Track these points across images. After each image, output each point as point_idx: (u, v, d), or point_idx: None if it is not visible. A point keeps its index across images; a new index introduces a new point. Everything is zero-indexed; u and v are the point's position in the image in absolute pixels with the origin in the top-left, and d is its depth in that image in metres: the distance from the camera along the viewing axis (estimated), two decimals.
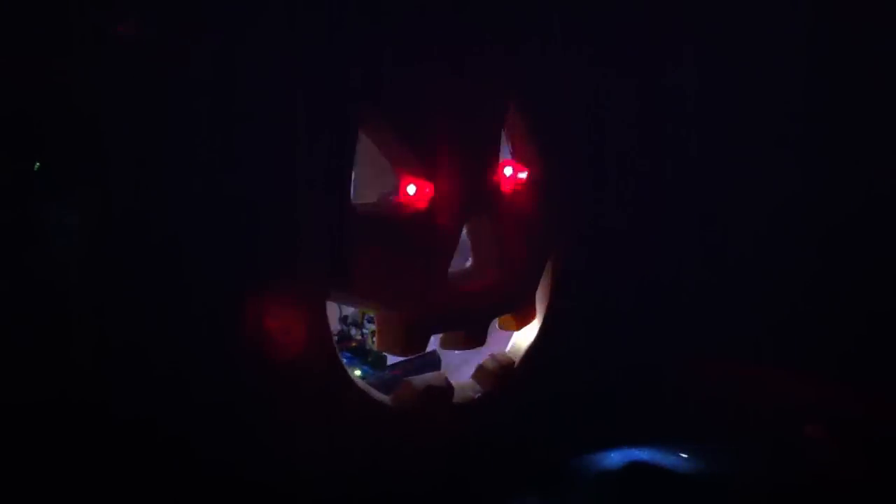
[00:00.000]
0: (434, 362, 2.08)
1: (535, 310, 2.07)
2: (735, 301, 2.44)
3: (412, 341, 1.92)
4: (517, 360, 2.06)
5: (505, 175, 1.94)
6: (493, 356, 2.05)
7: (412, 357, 2.05)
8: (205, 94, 1.75)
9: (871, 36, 2.35)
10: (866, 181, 2.38)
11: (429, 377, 1.95)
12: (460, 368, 2.04)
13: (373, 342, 2.03)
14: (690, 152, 2.47)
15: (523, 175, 1.96)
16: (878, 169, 2.38)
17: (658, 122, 2.45)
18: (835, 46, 2.37)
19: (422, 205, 1.82)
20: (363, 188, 1.89)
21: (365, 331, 2.05)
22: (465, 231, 1.93)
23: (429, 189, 1.82)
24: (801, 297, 2.41)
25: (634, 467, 1.99)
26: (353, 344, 1.99)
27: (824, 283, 2.39)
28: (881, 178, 2.37)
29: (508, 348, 2.08)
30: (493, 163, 1.94)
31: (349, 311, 2.03)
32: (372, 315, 2.02)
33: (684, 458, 2.01)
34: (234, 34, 1.76)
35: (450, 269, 1.91)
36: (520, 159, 1.97)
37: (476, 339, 1.98)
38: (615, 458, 2.00)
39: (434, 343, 2.00)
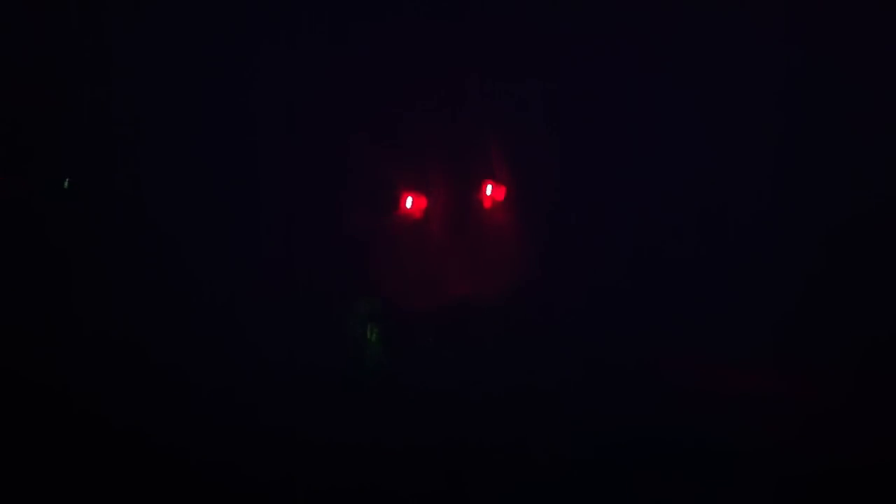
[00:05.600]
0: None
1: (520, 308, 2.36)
2: (718, 302, 2.51)
3: (413, 331, 2.27)
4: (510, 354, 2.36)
5: (487, 193, 2.30)
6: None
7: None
8: (218, 106, 2.26)
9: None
10: (846, 185, 2.39)
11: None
12: (456, 367, 2.35)
13: (375, 340, 2.39)
14: (670, 167, 2.59)
15: (502, 193, 2.31)
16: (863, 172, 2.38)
17: (635, 138, 2.62)
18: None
19: (418, 215, 2.22)
20: (369, 203, 2.31)
21: (368, 331, 2.41)
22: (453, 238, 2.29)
23: (423, 202, 2.22)
24: (780, 299, 2.44)
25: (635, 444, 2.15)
26: (358, 343, 2.34)
27: (803, 284, 2.41)
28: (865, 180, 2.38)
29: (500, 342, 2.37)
30: (477, 182, 2.31)
31: (354, 313, 2.39)
32: (374, 319, 2.40)
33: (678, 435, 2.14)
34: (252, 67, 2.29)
35: (443, 269, 2.27)
36: (500, 180, 2.32)
37: (469, 332, 2.30)
38: (619, 436, 2.17)
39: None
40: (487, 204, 2.43)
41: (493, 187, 2.45)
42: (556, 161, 2.64)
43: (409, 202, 2.30)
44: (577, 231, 2.72)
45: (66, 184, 2.19)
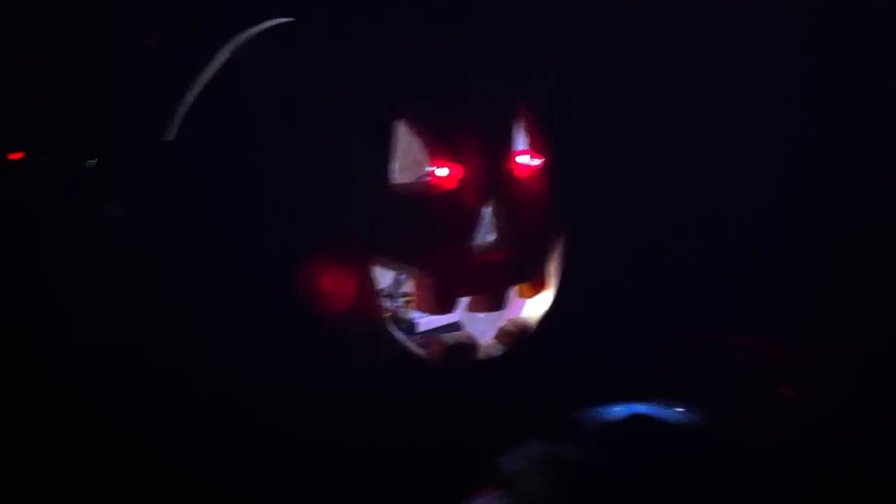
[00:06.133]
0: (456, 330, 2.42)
1: (547, 280, 2.37)
2: (731, 277, 2.57)
3: (443, 301, 2.25)
4: (532, 323, 2.37)
5: (521, 162, 2.29)
6: (511, 320, 2.36)
7: (439, 326, 2.41)
8: (256, 84, 2.25)
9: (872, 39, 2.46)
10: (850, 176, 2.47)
11: (456, 335, 2.30)
12: (485, 333, 2.36)
13: (405, 311, 2.41)
14: (691, 145, 2.66)
15: (537, 162, 2.30)
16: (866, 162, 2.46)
17: (659, 114, 2.67)
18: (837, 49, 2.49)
19: (451, 185, 2.20)
20: (401, 173, 2.31)
21: (398, 302, 2.43)
22: (490, 209, 2.28)
23: (458, 171, 2.20)
24: (786, 277, 2.51)
25: (635, 419, 2.20)
26: (388, 313, 2.35)
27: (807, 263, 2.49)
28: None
29: (524, 314, 2.38)
30: (511, 152, 2.31)
31: (385, 283, 2.40)
32: (403, 290, 2.42)
33: (681, 412, 2.20)
34: (286, 35, 2.27)
35: (475, 242, 2.26)
36: (534, 149, 2.32)
37: (497, 303, 2.30)
38: (618, 411, 2.23)
39: (459, 311, 2.34)
40: (521, 174, 2.43)
41: (529, 157, 2.44)
42: (593, 133, 2.65)
43: (443, 171, 2.29)
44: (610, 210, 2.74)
45: (91, 163, 2.18)
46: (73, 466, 1.92)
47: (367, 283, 2.14)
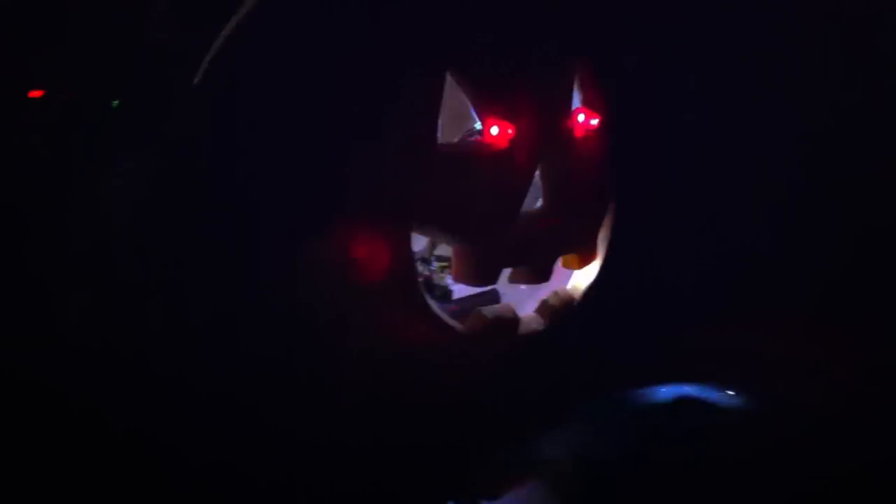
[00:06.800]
0: (494, 299, 2.25)
1: (596, 251, 2.20)
2: (787, 257, 2.45)
3: (485, 273, 2.06)
4: (577, 297, 2.20)
5: (578, 121, 2.11)
6: (555, 292, 2.19)
7: (475, 294, 2.25)
8: (298, 37, 2.08)
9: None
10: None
11: (497, 308, 2.12)
12: (525, 303, 2.20)
13: (441, 277, 2.25)
14: (746, 115, 2.51)
15: (595, 122, 2.12)
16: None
17: (714, 84, 2.51)
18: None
19: (502, 145, 2.02)
20: (444, 129, 2.13)
21: (433, 266, 2.27)
22: (537, 173, 2.11)
23: (510, 130, 2.02)
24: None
25: (683, 401, 2.06)
26: (421, 279, 2.18)
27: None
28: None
29: (570, 286, 2.22)
30: (567, 109, 2.12)
31: (418, 247, 2.23)
32: (438, 254, 2.26)
33: (730, 395, 2.06)
34: None
35: (522, 209, 2.09)
36: (591, 107, 2.14)
37: (541, 275, 2.13)
38: (664, 392, 2.08)
39: (500, 281, 2.18)
40: (579, 133, 2.26)
41: (585, 115, 2.27)
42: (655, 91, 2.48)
43: (494, 129, 2.11)
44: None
45: (115, 105, 2.05)
46: (72, 468, 1.84)
47: (405, 250, 1.94)
